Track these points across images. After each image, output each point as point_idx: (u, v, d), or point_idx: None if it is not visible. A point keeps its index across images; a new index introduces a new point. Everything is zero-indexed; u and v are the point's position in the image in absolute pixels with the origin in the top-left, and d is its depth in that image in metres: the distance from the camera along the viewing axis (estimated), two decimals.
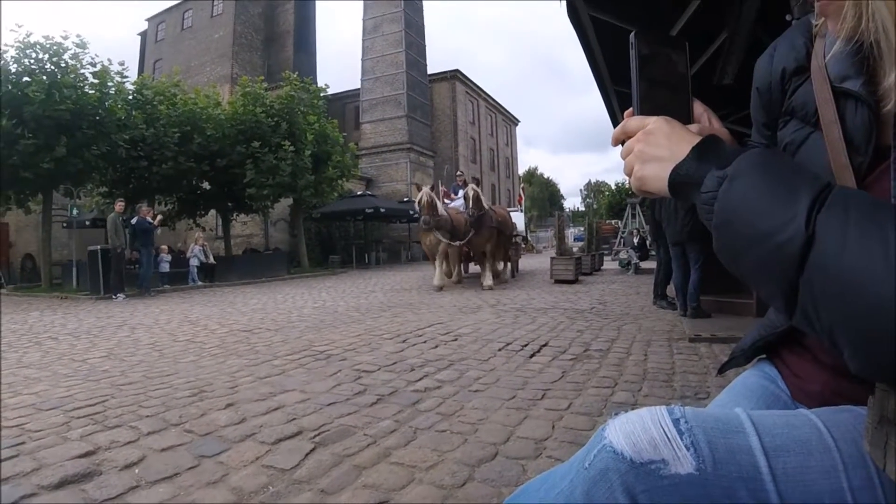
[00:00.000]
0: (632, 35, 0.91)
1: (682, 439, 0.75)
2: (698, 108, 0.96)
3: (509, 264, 18.34)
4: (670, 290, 9.38)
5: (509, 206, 29.27)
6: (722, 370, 1.27)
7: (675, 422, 0.77)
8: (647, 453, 0.75)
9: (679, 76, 0.92)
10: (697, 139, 0.81)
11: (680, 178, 0.79)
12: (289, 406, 3.93)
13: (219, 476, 2.75)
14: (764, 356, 1.16)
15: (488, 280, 14.04)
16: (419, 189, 13.44)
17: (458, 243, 14.05)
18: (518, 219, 20.72)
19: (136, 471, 2.83)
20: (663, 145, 0.82)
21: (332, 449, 3.07)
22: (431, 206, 13.08)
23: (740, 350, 1.16)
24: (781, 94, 1.04)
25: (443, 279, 14.31)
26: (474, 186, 14.21)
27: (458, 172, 18.68)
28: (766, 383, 1.09)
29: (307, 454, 3.00)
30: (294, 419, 3.63)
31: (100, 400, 4.21)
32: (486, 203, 14.45)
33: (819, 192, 0.66)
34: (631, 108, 0.91)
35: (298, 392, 4.32)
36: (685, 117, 0.90)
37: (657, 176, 0.82)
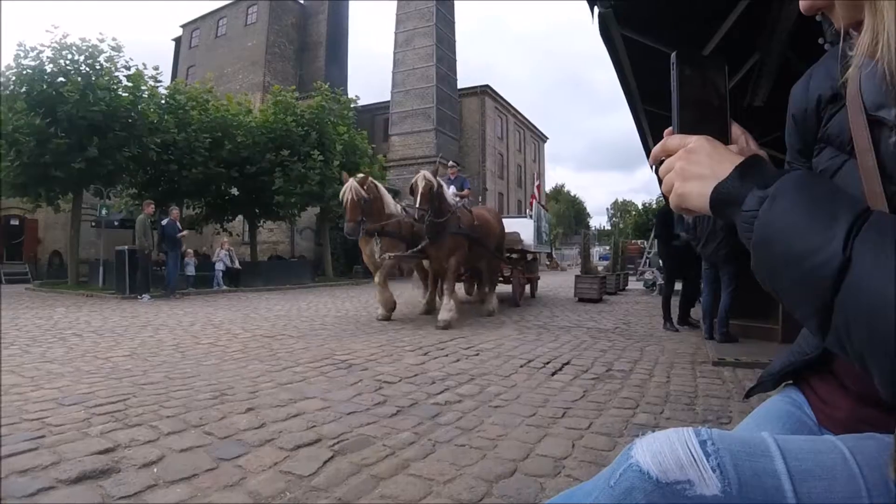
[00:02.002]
0: (673, 55, 0.92)
1: (708, 461, 0.75)
2: (736, 129, 0.96)
3: (524, 286, 14.55)
4: (675, 310, 9.35)
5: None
6: (749, 395, 1.25)
7: (702, 443, 0.77)
8: (674, 473, 0.74)
9: (718, 97, 0.92)
10: (740, 159, 0.80)
11: (722, 197, 0.79)
12: (309, 413, 3.94)
13: (237, 479, 2.76)
14: (791, 382, 1.15)
15: (444, 313, 9.29)
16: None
17: (401, 254, 10.05)
18: (523, 228, 14.98)
19: (155, 470, 2.84)
20: (705, 164, 0.82)
21: (351, 458, 3.07)
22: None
23: (768, 375, 1.15)
24: (817, 122, 1.04)
25: (388, 306, 10.20)
26: (427, 174, 9.30)
27: (450, 163, 13.90)
28: (793, 409, 1.08)
29: (325, 462, 3.00)
30: (314, 426, 3.64)
31: (121, 398, 4.25)
32: (451, 199, 10.18)
33: (857, 217, 0.66)
34: (670, 128, 0.91)
35: (319, 400, 4.33)
36: (724, 137, 0.90)
37: (699, 193, 0.82)
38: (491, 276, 12.12)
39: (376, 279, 10.31)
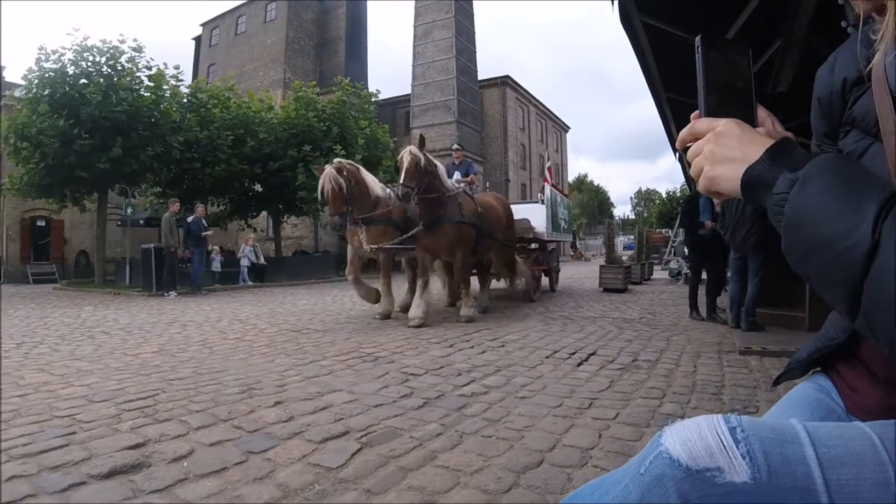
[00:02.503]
0: (697, 39, 0.92)
1: (738, 448, 0.75)
2: (762, 112, 0.95)
3: (539, 279, 13.34)
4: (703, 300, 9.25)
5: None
6: (777, 382, 1.25)
7: (732, 430, 0.77)
8: (703, 461, 0.74)
9: (743, 80, 0.92)
10: (770, 141, 0.80)
11: (752, 180, 0.79)
12: (336, 406, 3.97)
13: (266, 472, 2.78)
14: (819, 369, 1.14)
15: (465, 309, 8.92)
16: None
17: (390, 245, 9.03)
18: (534, 214, 13.28)
19: (185, 464, 2.88)
20: (735, 147, 0.82)
21: (379, 450, 3.09)
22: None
23: (796, 362, 1.15)
24: (842, 105, 1.03)
25: (388, 302, 9.43)
26: (413, 148, 8.36)
27: (454, 146, 12.89)
28: (821, 396, 1.08)
29: (353, 454, 3.02)
30: (341, 419, 3.66)
31: (150, 394, 4.30)
32: (447, 181, 9.10)
33: (886, 200, 0.66)
34: (697, 111, 0.91)
35: (346, 393, 4.35)
36: (750, 121, 0.89)
37: (729, 177, 0.82)
38: (508, 267, 10.98)
39: (348, 275, 9.67)
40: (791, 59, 5.56)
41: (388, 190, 9.58)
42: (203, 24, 59.04)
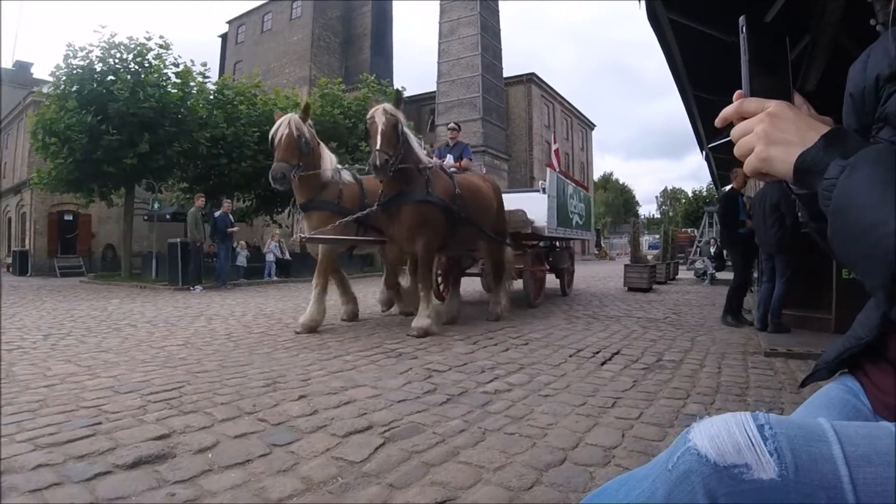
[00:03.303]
0: (741, 19, 0.93)
1: (765, 445, 0.75)
2: (797, 99, 0.95)
3: (541, 281, 11.45)
4: (746, 302, 9.14)
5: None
6: (804, 383, 1.24)
7: (760, 427, 0.77)
8: (731, 457, 0.74)
9: (782, 64, 0.92)
10: (825, 128, 0.82)
11: (806, 164, 0.80)
12: (360, 401, 3.99)
13: (289, 465, 2.80)
14: (846, 370, 1.14)
15: (419, 319, 7.09)
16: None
17: (336, 236, 7.36)
18: (534, 205, 10.96)
19: (209, 455, 2.90)
20: (791, 130, 0.83)
21: (402, 445, 3.10)
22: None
23: (824, 363, 1.14)
24: (875, 101, 1.03)
25: (316, 314, 7.46)
26: (388, 106, 6.76)
27: (450, 124, 10.92)
28: (848, 396, 1.07)
29: (377, 448, 3.03)
30: (365, 414, 3.68)
31: (176, 386, 4.35)
32: (418, 149, 7.39)
33: None
34: (740, 91, 0.92)
35: (369, 388, 4.37)
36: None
37: (784, 159, 0.83)
38: (498, 267, 8.97)
39: (316, 274, 7.81)
40: (820, 58, 5.51)
41: (342, 173, 7.98)
42: (229, 22, 59.65)
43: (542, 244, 12.80)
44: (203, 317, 9.02)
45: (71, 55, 17.43)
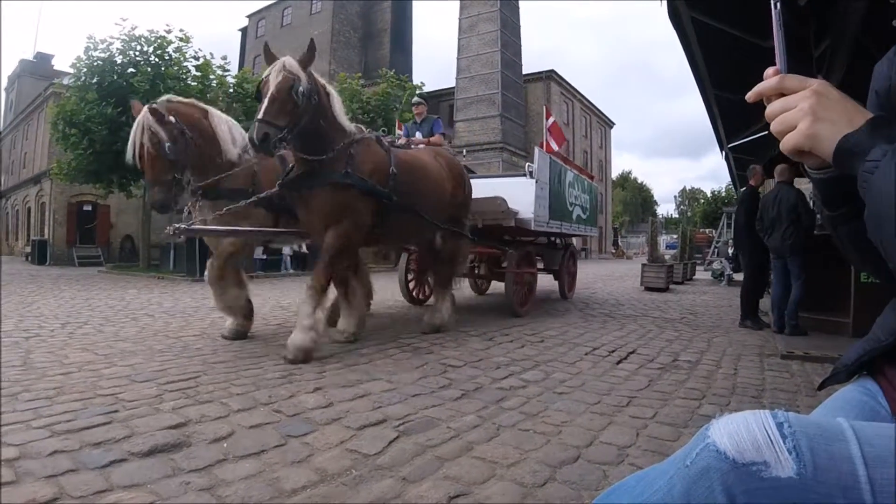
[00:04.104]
0: None
1: (784, 443, 0.75)
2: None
3: (529, 285, 9.49)
4: (763, 304, 9.07)
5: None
6: (822, 386, 1.24)
7: (779, 425, 0.77)
8: (750, 454, 0.74)
9: (806, 46, 0.94)
10: (869, 113, 0.83)
11: (849, 145, 0.80)
12: (375, 394, 4.00)
13: (304, 456, 2.83)
14: (864, 373, 1.13)
15: (344, 320, 6.25)
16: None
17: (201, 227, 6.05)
18: (518, 192, 8.93)
19: (225, 445, 2.93)
20: (838, 110, 0.83)
21: (416, 439, 3.11)
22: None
23: (843, 366, 1.14)
24: None
25: (239, 322, 6.29)
26: (290, 62, 5.29)
27: (415, 98, 9.72)
28: (866, 398, 1.07)
29: (391, 442, 3.05)
30: (379, 407, 3.70)
31: (192, 376, 4.38)
32: (343, 120, 5.83)
33: None
34: (774, 67, 0.93)
35: (384, 381, 4.39)
36: None
37: (829, 137, 0.83)
38: (445, 268, 7.45)
39: (213, 266, 6.18)
40: (841, 58, 5.46)
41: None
42: (249, 16, 59.94)
43: (534, 240, 10.99)
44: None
45: (92, 47, 17.61)
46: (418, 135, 8.93)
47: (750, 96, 0.96)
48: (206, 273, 6.40)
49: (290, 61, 5.23)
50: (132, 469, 2.59)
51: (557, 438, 3.20)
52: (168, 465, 2.66)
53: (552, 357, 5.57)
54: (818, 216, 7.38)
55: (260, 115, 4.88)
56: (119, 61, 17.58)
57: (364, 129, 6.40)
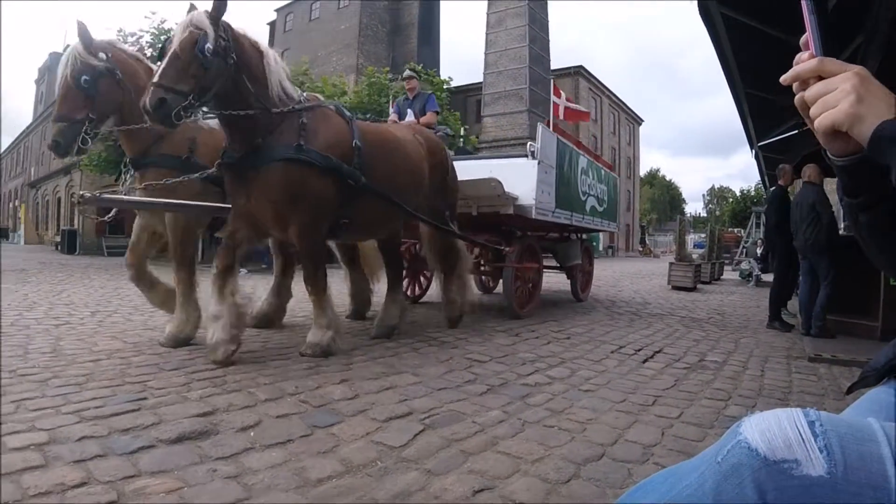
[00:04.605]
0: None
1: (816, 441, 0.75)
2: None
3: (533, 284, 8.56)
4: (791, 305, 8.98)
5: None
6: (850, 390, 1.24)
7: (811, 424, 0.77)
8: (781, 452, 0.75)
9: (829, 32, 0.93)
10: None
11: (888, 133, 0.81)
12: (401, 387, 4.02)
13: (330, 447, 2.84)
14: (894, 376, 1.13)
15: (314, 332, 5.04)
16: None
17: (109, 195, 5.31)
18: (517, 175, 7.84)
19: (251, 434, 2.95)
20: (880, 95, 0.84)
21: (441, 432, 3.12)
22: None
23: (872, 369, 1.13)
24: None
25: (187, 314, 5.38)
26: (198, 17, 4.23)
27: (406, 72, 9.14)
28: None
29: (416, 434, 3.06)
30: (405, 400, 3.71)
31: (220, 365, 4.40)
32: (279, 80, 4.75)
33: None
34: (808, 52, 0.93)
35: (410, 374, 4.40)
36: None
37: (868, 120, 0.83)
38: (441, 260, 6.65)
39: (128, 266, 5.60)
40: (873, 56, 5.39)
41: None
42: (277, 10, 60.29)
43: (545, 235, 10.14)
44: (247, 299, 9.12)
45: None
46: (409, 113, 8.26)
47: (786, 78, 0.96)
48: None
49: (198, 15, 4.28)
50: (160, 455, 2.62)
51: (582, 436, 3.19)
52: (195, 452, 2.68)
53: (578, 354, 5.56)
54: (836, 211, 7.33)
55: (156, 79, 4.00)
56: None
57: (321, 97, 5.65)
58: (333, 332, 4.96)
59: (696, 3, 5.34)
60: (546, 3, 50.97)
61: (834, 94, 0.86)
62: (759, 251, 19.81)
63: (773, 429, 0.77)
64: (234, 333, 4.54)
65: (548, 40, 50.16)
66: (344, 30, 52.25)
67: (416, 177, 5.87)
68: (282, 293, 6.68)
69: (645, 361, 5.39)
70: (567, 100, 12.56)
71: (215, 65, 4.17)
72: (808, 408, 0.80)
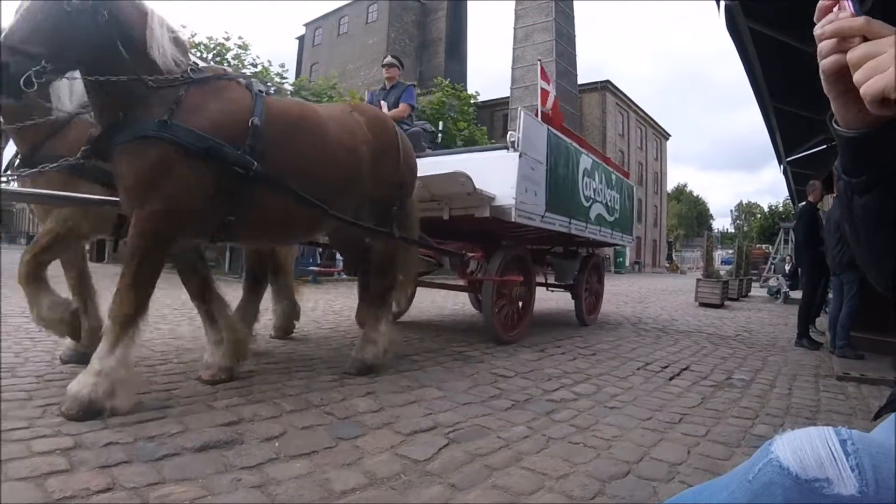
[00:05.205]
0: None
1: (847, 460, 0.75)
2: None
3: (524, 303, 7.32)
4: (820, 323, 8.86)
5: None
6: (879, 415, 1.22)
7: (843, 443, 0.77)
8: (813, 471, 0.74)
9: None
10: None
11: None
12: (426, 401, 4.01)
13: (354, 459, 2.85)
14: None
15: (81, 379, 3.23)
16: None
17: None
18: (492, 169, 6.36)
19: (276, 444, 2.96)
20: None
21: (466, 447, 3.11)
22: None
23: None
24: None
25: (57, 320, 4.40)
26: None
27: (387, 59, 7.96)
28: None
29: (441, 448, 3.06)
30: (430, 413, 3.71)
31: (246, 375, 4.42)
32: (167, 49, 3.64)
33: None
34: (848, 12, 0.89)
35: (435, 388, 4.39)
36: None
37: None
38: (377, 279, 5.24)
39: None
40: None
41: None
42: (306, 25, 61.05)
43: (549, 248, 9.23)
44: (273, 311, 9.19)
45: None
46: (383, 105, 7.31)
47: (823, 32, 0.91)
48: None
49: None
50: (185, 463, 2.64)
51: (608, 453, 3.17)
52: (220, 461, 2.70)
53: (604, 371, 5.52)
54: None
55: (1, 37, 3.04)
56: None
57: (229, 69, 4.79)
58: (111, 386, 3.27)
59: (723, 17, 5.32)
60: (573, 19, 51.12)
61: (884, 58, 0.81)
62: (787, 268, 19.61)
63: (804, 447, 0.77)
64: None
65: (575, 55, 50.25)
66: (372, 44, 52.69)
67: (344, 166, 4.45)
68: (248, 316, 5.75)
69: (671, 379, 5.34)
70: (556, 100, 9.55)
71: (81, 22, 3.26)
72: (839, 426, 0.79)
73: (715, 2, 5.15)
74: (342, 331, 7.18)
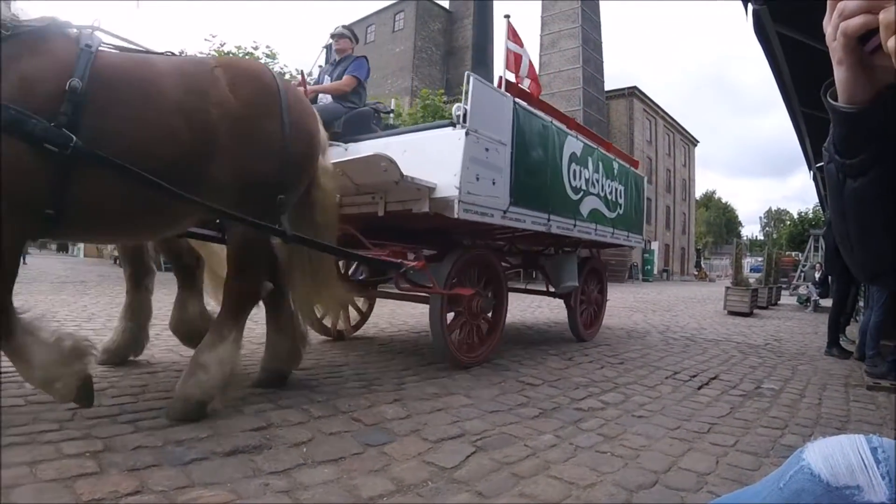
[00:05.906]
0: None
1: (878, 468, 0.75)
2: None
3: (495, 318, 6.11)
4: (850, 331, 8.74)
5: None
6: None
7: (874, 450, 0.77)
8: (844, 478, 0.75)
9: None
10: None
11: None
12: (453, 408, 4.01)
13: (381, 465, 2.86)
14: None
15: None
16: None
17: None
18: (435, 151, 5.07)
19: (304, 449, 2.98)
20: None
21: (493, 455, 3.11)
22: None
23: None
24: None
25: None
26: None
27: (338, 28, 7.10)
28: None
29: (468, 456, 3.06)
30: (457, 421, 3.71)
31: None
32: None
33: None
34: None
35: (463, 396, 4.40)
36: None
37: None
38: (229, 283, 4.16)
39: None
40: None
41: None
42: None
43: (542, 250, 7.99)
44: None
45: None
46: (326, 80, 6.43)
47: (849, 10, 0.85)
48: None
49: None
50: (213, 467, 2.66)
51: (635, 462, 3.16)
52: (248, 465, 2.72)
53: (632, 380, 5.49)
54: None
55: None
56: None
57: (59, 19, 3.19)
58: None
59: (751, 22, 5.29)
60: (600, 25, 50.97)
61: None
62: (817, 275, 19.35)
63: (835, 455, 0.77)
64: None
65: (601, 61, 50.10)
66: (399, 52, 52.85)
67: (178, 135, 3.23)
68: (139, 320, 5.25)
69: (700, 388, 5.30)
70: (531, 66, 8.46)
71: None
72: (870, 434, 0.80)
73: (743, 6, 5.13)
74: (368, 338, 7.20)
